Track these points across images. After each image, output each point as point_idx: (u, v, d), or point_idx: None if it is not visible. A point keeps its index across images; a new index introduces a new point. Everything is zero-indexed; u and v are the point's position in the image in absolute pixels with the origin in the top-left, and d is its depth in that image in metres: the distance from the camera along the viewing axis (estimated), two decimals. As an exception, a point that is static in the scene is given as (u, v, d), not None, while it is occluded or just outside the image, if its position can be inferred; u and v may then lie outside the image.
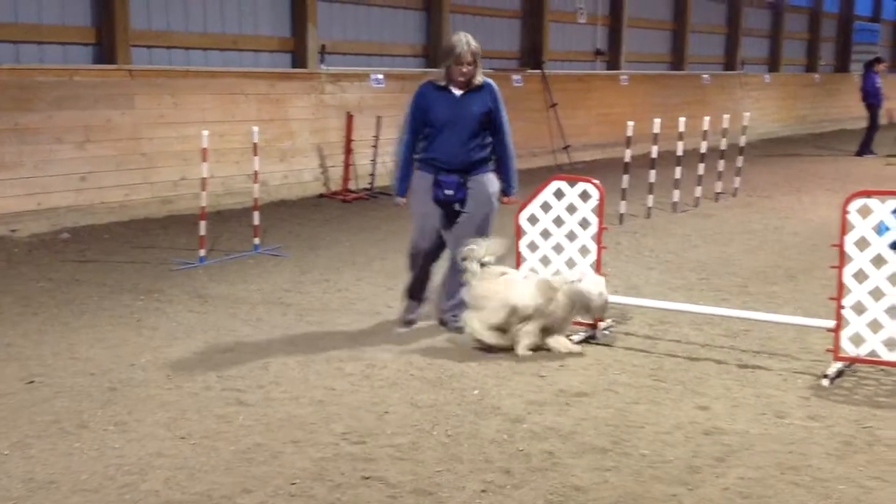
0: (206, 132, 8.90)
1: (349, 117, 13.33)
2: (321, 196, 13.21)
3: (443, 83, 6.47)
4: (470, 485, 4.28)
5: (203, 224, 8.85)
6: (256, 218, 9.44)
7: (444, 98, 6.45)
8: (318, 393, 5.45)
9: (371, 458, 4.57)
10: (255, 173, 9.50)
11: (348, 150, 13.33)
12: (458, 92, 6.46)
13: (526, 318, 6.16)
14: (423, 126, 6.50)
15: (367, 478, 4.35)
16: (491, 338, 6.20)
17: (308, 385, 5.59)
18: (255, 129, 9.49)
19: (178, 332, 6.67)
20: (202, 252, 8.87)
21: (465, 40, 6.37)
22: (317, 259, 9.19)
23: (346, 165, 13.35)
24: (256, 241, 9.44)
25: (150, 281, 8.18)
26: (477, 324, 6.22)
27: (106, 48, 11.47)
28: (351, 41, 14.96)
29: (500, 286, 6.22)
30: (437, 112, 6.43)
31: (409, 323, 6.77)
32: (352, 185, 13.40)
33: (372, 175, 13.51)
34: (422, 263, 6.70)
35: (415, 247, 6.68)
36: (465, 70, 6.38)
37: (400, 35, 15.90)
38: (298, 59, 13.92)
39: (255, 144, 9.37)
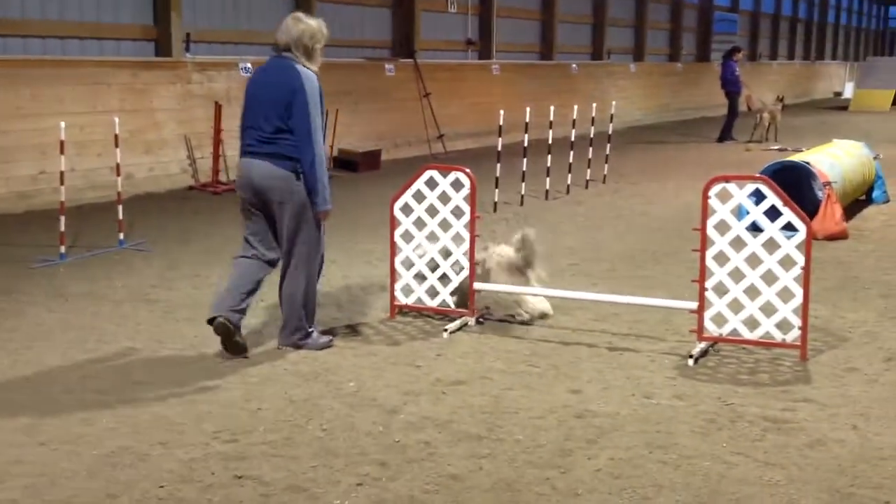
0: (63, 124, 8.55)
1: (217, 107, 13.01)
2: (190, 188, 12.88)
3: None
4: (345, 479, 4.24)
5: (63, 219, 8.49)
6: (120, 212, 9.11)
7: None
8: (187, 391, 5.30)
9: (243, 456, 4.46)
10: (117, 165, 9.17)
11: (217, 141, 13.01)
12: None
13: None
14: None
15: (240, 477, 4.25)
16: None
17: (177, 383, 5.42)
18: (116, 119, 9.16)
19: (37, 334, 6.37)
20: (63, 249, 8.50)
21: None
22: (186, 253, 8.93)
23: (216, 156, 13.03)
24: (121, 235, 9.11)
25: (8, 280, 7.79)
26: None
27: (-45, 37, 10.89)
28: (217, 29, 14.61)
29: None
30: (323, 105, 5.79)
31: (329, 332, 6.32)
32: (222, 177, 13.09)
33: (243, 166, 13.21)
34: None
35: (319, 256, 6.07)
36: None
37: (268, 22, 15.55)
38: (162, 48, 13.52)
39: (116, 136, 9.04)
